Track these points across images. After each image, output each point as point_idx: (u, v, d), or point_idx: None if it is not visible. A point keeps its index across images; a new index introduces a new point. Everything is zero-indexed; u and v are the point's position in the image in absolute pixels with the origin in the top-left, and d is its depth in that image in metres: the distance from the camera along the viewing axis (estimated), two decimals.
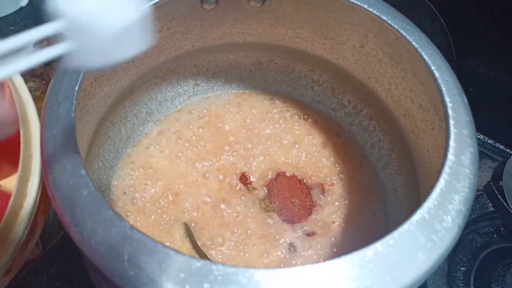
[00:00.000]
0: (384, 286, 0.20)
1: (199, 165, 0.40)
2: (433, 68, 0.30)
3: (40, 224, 0.35)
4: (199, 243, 0.35)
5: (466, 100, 0.29)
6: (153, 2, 0.32)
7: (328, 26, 0.38)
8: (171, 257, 0.20)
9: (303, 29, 0.39)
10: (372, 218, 0.38)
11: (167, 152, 0.41)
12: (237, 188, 0.39)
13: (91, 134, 0.34)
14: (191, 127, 0.43)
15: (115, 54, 0.16)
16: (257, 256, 0.35)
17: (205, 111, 0.44)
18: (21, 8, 0.60)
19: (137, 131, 0.42)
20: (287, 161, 0.41)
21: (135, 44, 0.17)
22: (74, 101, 0.26)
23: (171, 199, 0.38)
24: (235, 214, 0.37)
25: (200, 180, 0.39)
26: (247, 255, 0.35)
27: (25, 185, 0.34)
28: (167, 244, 0.35)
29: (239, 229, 0.36)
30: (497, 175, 0.46)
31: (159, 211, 0.37)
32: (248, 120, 0.44)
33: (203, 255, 0.34)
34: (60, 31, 0.15)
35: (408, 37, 0.31)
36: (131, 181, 0.39)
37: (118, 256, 0.20)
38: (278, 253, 0.36)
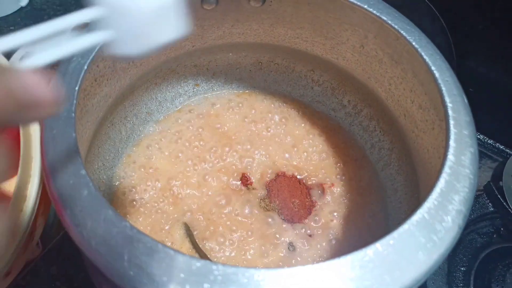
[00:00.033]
0: (384, 286, 0.20)
1: (199, 165, 0.40)
2: (433, 68, 0.30)
3: (40, 227, 0.35)
4: (199, 243, 0.35)
5: (466, 100, 0.29)
6: None
7: (328, 26, 0.38)
8: (171, 257, 0.20)
9: (303, 29, 0.39)
10: (372, 218, 0.38)
11: (167, 152, 0.41)
12: (237, 188, 0.39)
13: (91, 134, 0.34)
14: (191, 127, 0.43)
15: (151, 39, 0.17)
16: (257, 256, 0.35)
17: (205, 111, 0.44)
18: (21, 8, 0.60)
19: (137, 131, 0.42)
20: (287, 161, 0.41)
21: (171, 29, 0.17)
22: (74, 101, 0.26)
23: (171, 199, 0.38)
24: (235, 214, 0.37)
25: (200, 180, 0.39)
26: (247, 255, 0.35)
27: (25, 186, 0.34)
28: (167, 244, 0.35)
29: (239, 229, 0.36)
30: (497, 175, 0.47)
31: (159, 211, 0.37)
32: (248, 120, 0.44)
33: (203, 255, 0.34)
34: (98, 17, 0.15)
35: (408, 37, 0.31)
36: (131, 181, 0.39)
37: (118, 256, 0.20)
38: (278, 253, 0.36)
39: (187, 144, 0.41)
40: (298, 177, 0.40)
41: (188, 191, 0.38)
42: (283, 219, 0.37)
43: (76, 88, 0.27)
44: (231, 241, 0.36)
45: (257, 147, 0.42)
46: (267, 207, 0.38)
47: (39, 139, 0.33)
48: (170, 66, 0.42)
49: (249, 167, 0.40)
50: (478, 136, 0.51)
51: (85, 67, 0.28)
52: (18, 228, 0.32)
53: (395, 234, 0.22)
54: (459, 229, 0.23)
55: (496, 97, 0.50)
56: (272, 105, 0.45)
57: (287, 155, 0.42)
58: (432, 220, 0.23)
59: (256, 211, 0.38)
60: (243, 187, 0.39)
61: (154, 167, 0.40)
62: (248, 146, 0.42)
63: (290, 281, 0.20)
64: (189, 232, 0.36)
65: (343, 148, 0.43)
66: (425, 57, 0.30)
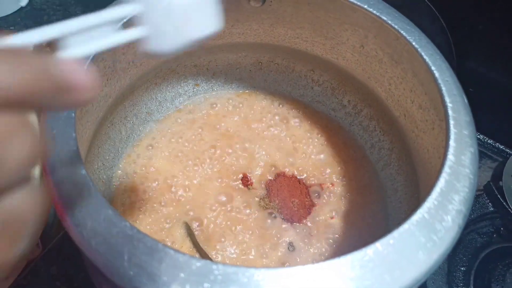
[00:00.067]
0: (384, 286, 0.20)
1: (199, 165, 0.40)
2: (433, 68, 0.30)
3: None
4: (199, 243, 0.35)
5: (466, 100, 0.29)
6: None
7: (328, 26, 0.38)
8: (171, 257, 0.20)
9: (303, 29, 0.39)
10: (372, 218, 0.38)
11: (167, 152, 0.41)
12: (237, 187, 0.39)
13: (91, 134, 0.34)
14: (191, 127, 0.43)
15: (185, 35, 0.17)
16: (257, 255, 0.35)
17: (205, 111, 0.44)
18: (21, 8, 0.60)
19: (137, 131, 0.42)
20: (287, 161, 0.41)
21: (205, 25, 0.17)
22: None
23: (171, 198, 0.38)
24: (235, 214, 0.37)
25: (200, 180, 0.39)
26: (247, 254, 0.35)
27: None
28: (168, 243, 0.35)
29: (239, 228, 0.36)
30: (497, 175, 0.47)
31: (159, 210, 0.37)
32: (248, 120, 0.44)
33: (204, 255, 0.34)
34: (135, 13, 0.16)
35: (408, 37, 0.31)
36: (131, 181, 0.39)
37: (118, 256, 0.20)
38: (278, 252, 0.36)
39: (187, 144, 0.41)
40: (298, 177, 0.40)
41: (188, 190, 0.38)
42: (283, 219, 0.37)
43: None
44: (231, 241, 0.36)
45: (257, 147, 0.42)
46: (267, 207, 0.38)
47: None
48: (170, 66, 0.42)
49: (249, 167, 0.40)
50: (478, 136, 0.51)
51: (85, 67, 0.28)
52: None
53: (395, 233, 0.22)
54: (459, 228, 0.23)
55: (496, 97, 0.50)
56: (272, 105, 0.45)
57: (287, 155, 0.42)
58: (432, 219, 0.23)
59: (256, 211, 0.38)
60: (243, 187, 0.39)
61: (154, 167, 0.40)
62: (248, 146, 0.42)
63: (290, 281, 0.20)
64: (189, 231, 0.36)
65: (343, 148, 0.43)
66: (425, 57, 0.30)
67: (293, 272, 0.20)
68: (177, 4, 0.16)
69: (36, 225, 0.12)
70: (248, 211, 0.38)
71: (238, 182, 0.39)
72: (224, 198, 0.38)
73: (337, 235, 0.37)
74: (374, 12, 0.33)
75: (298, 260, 0.35)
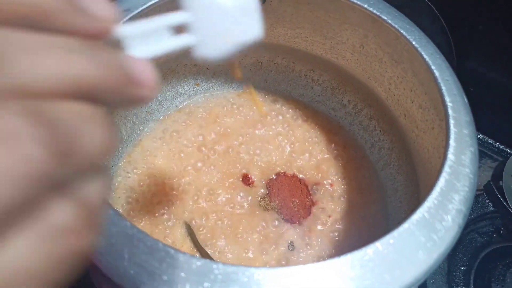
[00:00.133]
0: (384, 285, 0.20)
1: (200, 165, 0.40)
2: (433, 67, 0.30)
3: None
4: (200, 242, 0.35)
5: (466, 100, 0.29)
6: (153, 1, 0.32)
7: (328, 26, 0.38)
8: (171, 256, 0.20)
9: (303, 29, 0.39)
10: (372, 218, 0.38)
11: (167, 151, 0.41)
12: (238, 187, 0.39)
13: None
14: (191, 126, 0.43)
15: (231, 41, 0.17)
16: (257, 255, 0.35)
17: (205, 110, 0.44)
18: None
19: (137, 130, 0.42)
20: (287, 160, 0.41)
21: (250, 31, 0.18)
22: None
23: (171, 198, 0.38)
24: (236, 213, 0.37)
25: (200, 179, 0.39)
26: (247, 253, 0.35)
27: None
28: (168, 243, 0.35)
29: (240, 228, 0.36)
30: (497, 175, 0.47)
31: (159, 210, 0.37)
32: (248, 120, 0.44)
33: (204, 254, 0.34)
34: (186, 21, 0.16)
35: (408, 37, 0.31)
36: (131, 181, 0.39)
37: (118, 255, 0.20)
38: (278, 252, 0.36)
39: (187, 143, 0.41)
40: (299, 176, 0.40)
41: (189, 190, 0.38)
42: (283, 219, 0.37)
43: None
44: (231, 240, 0.36)
45: (258, 147, 0.42)
46: (267, 207, 0.38)
47: None
48: (170, 66, 0.42)
49: (249, 167, 0.40)
50: (478, 136, 0.51)
51: None
52: None
53: (395, 233, 0.22)
54: (459, 228, 0.23)
55: (496, 97, 0.50)
56: (272, 105, 0.45)
57: (287, 154, 0.42)
58: (432, 219, 0.23)
59: (256, 211, 0.38)
60: (244, 186, 0.39)
61: (155, 166, 0.40)
62: (249, 146, 0.42)
63: (290, 280, 0.20)
64: (190, 231, 0.36)
65: (343, 148, 0.43)
66: (425, 56, 0.30)
67: (293, 272, 0.20)
68: (226, 10, 0.16)
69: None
70: (248, 210, 0.38)
71: (239, 182, 0.39)
72: (224, 198, 0.38)
73: (337, 235, 0.37)
74: (374, 11, 0.33)
75: (298, 259, 0.35)
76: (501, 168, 0.46)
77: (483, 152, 0.50)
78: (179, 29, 0.16)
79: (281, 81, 0.46)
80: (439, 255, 0.22)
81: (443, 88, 0.29)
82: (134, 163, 0.40)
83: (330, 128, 0.44)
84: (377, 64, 0.37)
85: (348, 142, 0.43)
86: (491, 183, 0.44)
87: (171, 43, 0.16)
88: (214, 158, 0.41)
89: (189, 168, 0.40)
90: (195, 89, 0.45)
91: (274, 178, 0.40)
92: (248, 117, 0.44)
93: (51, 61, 0.11)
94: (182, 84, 0.44)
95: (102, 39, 0.13)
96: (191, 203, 0.38)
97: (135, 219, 0.36)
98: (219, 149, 0.41)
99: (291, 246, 0.36)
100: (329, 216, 0.38)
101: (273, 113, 0.45)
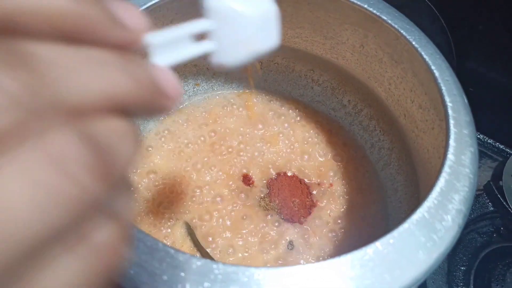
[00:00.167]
0: (384, 285, 0.20)
1: (200, 165, 0.40)
2: (433, 67, 0.30)
3: None
4: (200, 242, 0.35)
5: (466, 100, 0.29)
6: (153, 1, 0.32)
7: (328, 26, 0.38)
8: (171, 256, 0.20)
9: (303, 29, 0.39)
10: (372, 218, 0.38)
11: (168, 151, 0.41)
12: (238, 187, 0.39)
13: None
14: (191, 126, 0.43)
15: (250, 49, 0.17)
16: (257, 254, 0.35)
17: (205, 110, 0.44)
18: None
19: (138, 130, 0.42)
20: (287, 160, 0.41)
21: (268, 39, 0.18)
22: None
23: (171, 198, 0.38)
24: (236, 213, 0.37)
25: (200, 179, 0.39)
26: (247, 253, 0.35)
27: None
28: (168, 243, 0.35)
29: (240, 227, 0.36)
30: (497, 175, 0.47)
31: (159, 210, 0.37)
32: (248, 120, 0.44)
33: (204, 254, 0.35)
34: (208, 29, 0.16)
35: (408, 37, 0.31)
36: (132, 181, 0.39)
37: None
38: (278, 252, 0.36)
39: (187, 143, 0.41)
40: (299, 176, 0.40)
41: (189, 190, 0.38)
42: (283, 218, 0.37)
43: None
44: (231, 240, 0.36)
45: (258, 147, 0.42)
46: (267, 207, 0.38)
47: None
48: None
49: (249, 167, 0.40)
50: (478, 136, 0.51)
51: None
52: None
53: (395, 233, 0.22)
54: (459, 228, 0.23)
55: (496, 97, 0.50)
56: (272, 105, 0.45)
57: (287, 154, 0.42)
58: (432, 219, 0.23)
59: (256, 210, 0.38)
60: (244, 186, 0.39)
61: (155, 166, 0.40)
62: (249, 146, 0.42)
63: (290, 280, 0.20)
64: (190, 230, 0.36)
65: (343, 147, 0.43)
66: (425, 56, 0.30)
67: (293, 271, 0.20)
68: (248, 19, 0.17)
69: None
70: (248, 210, 0.38)
71: (239, 181, 0.39)
72: (224, 198, 0.38)
73: (337, 235, 0.37)
74: (374, 11, 0.33)
75: (298, 259, 0.35)
76: (501, 168, 0.46)
77: (483, 152, 0.50)
78: (199, 36, 0.16)
79: (281, 81, 0.46)
80: (439, 255, 0.22)
81: (443, 88, 0.29)
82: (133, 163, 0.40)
83: (330, 128, 0.44)
84: (377, 64, 0.37)
85: (348, 142, 0.43)
86: (491, 183, 0.44)
87: (192, 50, 0.16)
88: (214, 158, 0.41)
89: (189, 168, 0.40)
90: (195, 89, 0.45)
91: (274, 178, 0.40)
92: (248, 118, 0.44)
93: (92, 78, 0.11)
94: (182, 84, 0.44)
95: (133, 49, 0.13)
96: (191, 203, 0.38)
97: (135, 219, 0.36)
98: (219, 149, 0.41)
99: (291, 245, 0.36)
100: (329, 216, 0.38)
101: (272, 113, 0.45)
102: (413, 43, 0.31)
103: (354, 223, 0.38)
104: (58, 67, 0.10)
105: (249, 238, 0.36)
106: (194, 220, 0.37)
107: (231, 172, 0.40)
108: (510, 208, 0.42)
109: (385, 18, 0.32)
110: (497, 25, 0.46)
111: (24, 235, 0.09)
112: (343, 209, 0.39)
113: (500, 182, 0.44)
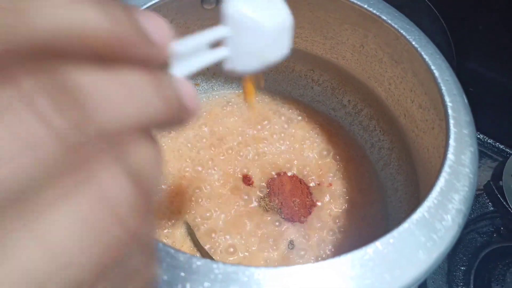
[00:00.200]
0: (384, 285, 0.20)
1: (200, 165, 0.40)
2: (433, 67, 0.30)
3: None
4: (200, 242, 0.35)
5: (466, 100, 0.29)
6: (153, 2, 0.32)
7: (328, 26, 0.38)
8: (171, 256, 0.20)
9: (303, 28, 0.39)
10: (372, 218, 0.38)
11: (168, 151, 0.41)
12: (238, 187, 0.39)
13: None
14: (191, 126, 0.43)
15: (263, 58, 0.17)
16: (257, 254, 0.35)
17: (205, 110, 0.44)
18: None
19: None
20: (287, 160, 0.41)
21: (280, 49, 0.18)
22: None
23: (171, 198, 0.38)
24: (236, 213, 0.37)
25: (200, 179, 0.39)
26: (247, 253, 0.35)
27: None
28: (168, 243, 0.35)
29: (240, 227, 0.36)
30: (497, 175, 0.47)
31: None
32: (248, 120, 0.44)
33: (204, 254, 0.35)
34: (224, 36, 0.16)
35: (408, 37, 0.31)
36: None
37: None
38: (278, 251, 0.36)
39: (187, 143, 0.41)
40: (299, 176, 0.40)
41: (189, 190, 0.38)
42: (284, 218, 0.37)
43: None
44: (231, 240, 0.36)
45: (258, 147, 0.42)
46: (267, 206, 0.38)
47: None
48: None
49: (249, 167, 0.40)
50: (478, 136, 0.51)
51: None
52: None
53: (395, 233, 0.22)
54: (459, 228, 0.23)
55: (496, 97, 0.50)
56: (272, 105, 0.45)
57: (287, 154, 0.42)
58: (432, 219, 0.23)
59: (257, 210, 0.38)
60: (244, 186, 0.39)
61: None
62: (249, 146, 0.42)
63: (290, 280, 0.20)
64: (190, 230, 0.36)
65: (343, 147, 0.43)
66: (425, 56, 0.30)
67: (293, 271, 0.20)
68: (265, 30, 0.17)
69: None
70: (248, 210, 0.38)
71: (239, 182, 0.39)
72: (224, 197, 0.38)
73: (337, 235, 0.37)
74: (374, 11, 0.33)
75: (298, 258, 0.35)
76: (501, 168, 0.46)
77: (483, 152, 0.50)
78: (214, 43, 0.16)
79: (281, 81, 0.46)
80: (439, 254, 0.22)
81: (443, 88, 0.29)
82: None
83: (330, 128, 0.44)
84: (377, 64, 0.37)
85: (348, 142, 0.43)
86: (491, 183, 0.44)
87: (208, 58, 0.16)
88: (214, 158, 0.41)
89: (189, 168, 0.40)
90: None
91: (275, 178, 0.40)
92: (248, 118, 0.44)
93: (128, 104, 0.11)
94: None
95: (159, 63, 0.13)
96: (191, 202, 0.38)
97: None
98: (219, 149, 0.41)
99: (291, 245, 0.36)
100: (329, 216, 0.38)
101: (272, 113, 0.45)
102: (413, 43, 0.31)
103: (354, 223, 0.38)
104: (97, 96, 0.10)
105: (249, 238, 0.36)
106: (194, 220, 0.37)
107: (231, 172, 0.40)
108: (510, 208, 0.42)
109: (385, 18, 0.32)
110: (497, 25, 0.46)
111: (68, 272, 0.09)
112: (343, 209, 0.39)
113: (500, 182, 0.44)
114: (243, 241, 0.36)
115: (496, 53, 0.48)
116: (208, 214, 0.37)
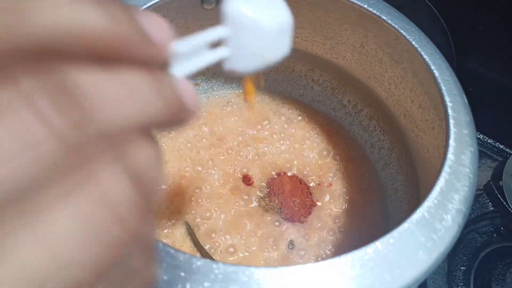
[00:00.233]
0: (384, 285, 0.20)
1: (200, 165, 0.40)
2: (433, 67, 0.30)
3: None
4: (200, 241, 0.35)
5: (466, 100, 0.29)
6: (153, 2, 0.32)
7: (328, 26, 0.38)
8: (171, 256, 0.20)
9: (303, 28, 0.39)
10: (372, 218, 0.38)
11: (167, 151, 0.41)
12: (238, 187, 0.39)
13: None
14: (191, 126, 0.43)
15: (263, 58, 0.17)
16: (257, 254, 0.35)
17: (205, 110, 0.44)
18: None
19: None
20: (287, 161, 0.41)
21: (280, 49, 0.18)
22: None
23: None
24: (236, 213, 0.37)
25: (200, 179, 0.39)
26: (247, 253, 0.35)
27: None
28: (168, 243, 0.35)
29: (240, 227, 0.36)
30: (497, 175, 0.47)
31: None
32: (248, 120, 0.44)
33: (204, 254, 0.35)
34: (224, 36, 0.16)
35: (408, 37, 0.31)
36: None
37: None
38: (278, 251, 0.36)
39: (187, 143, 0.41)
40: (299, 176, 0.40)
41: (189, 190, 0.38)
42: (284, 218, 0.37)
43: None
44: (231, 240, 0.36)
45: (258, 147, 0.42)
46: (267, 207, 0.38)
47: None
48: None
49: (249, 167, 0.40)
50: (478, 136, 0.51)
51: None
52: None
53: (395, 233, 0.22)
54: (459, 228, 0.23)
55: (496, 97, 0.50)
56: (272, 105, 0.45)
57: (287, 154, 0.42)
58: (432, 219, 0.23)
59: (257, 210, 0.38)
60: (244, 186, 0.39)
61: None
62: (249, 146, 0.42)
63: (290, 280, 0.20)
64: (190, 230, 0.36)
65: (343, 147, 0.43)
66: (425, 56, 0.30)
67: (294, 271, 0.20)
68: (266, 30, 0.17)
69: None
70: (248, 210, 0.38)
71: (239, 181, 0.39)
72: (224, 197, 0.38)
73: (337, 235, 0.37)
74: (374, 11, 0.33)
75: (298, 258, 0.35)
76: (501, 168, 0.46)
77: (483, 152, 0.50)
78: (214, 43, 0.16)
79: (281, 81, 0.46)
80: (439, 254, 0.22)
81: (443, 88, 0.29)
82: None
83: (330, 128, 0.44)
84: (377, 64, 0.37)
85: (348, 142, 0.43)
86: (491, 183, 0.44)
87: (208, 58, 0.16)
88: (214, 158, 0.41)
89: (189, 168, 0.40)
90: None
91: (275, 178, 0.40)
92: (248, 118, 0.44)
93: (128, 104, 0.11)
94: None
95: (159, 63, 0.13)
96: (191, 202, 0.38)
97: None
98: (219, 149, 0.41)
99: (291, 245, 0.36)
100: (329, 216, 0.38)
101: (272, 113, 0.45)
102: (413, 43, 0.31)
103: (354, 223, 0.38)
104: (97, 97, 0.10)
105: (249, 238, 0.36)
106: (194, 220, 0.37)
107: (231, 172, 0.40)
108: (510, 208, 0.42)
109: (385, 18, 0.32)
110: (497, 25, 0.46)
111: (68, 272, 0.09)
112: (343, 209, 0.39)
113: (500, 182, 0.44)
114: (243, 241, 0.36)
115: (496, 53, 0.48)
116: (208, 214, 0.37)
